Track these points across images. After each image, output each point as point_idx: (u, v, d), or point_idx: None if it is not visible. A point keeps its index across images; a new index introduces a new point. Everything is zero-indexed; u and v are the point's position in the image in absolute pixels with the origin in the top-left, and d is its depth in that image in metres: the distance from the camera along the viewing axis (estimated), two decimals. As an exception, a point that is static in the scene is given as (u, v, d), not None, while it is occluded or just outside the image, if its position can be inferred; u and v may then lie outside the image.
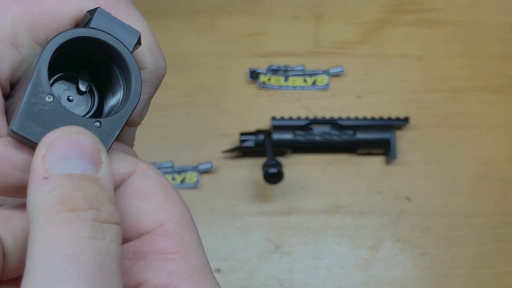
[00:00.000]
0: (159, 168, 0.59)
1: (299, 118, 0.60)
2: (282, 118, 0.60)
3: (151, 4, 0.68)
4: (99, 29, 0.22)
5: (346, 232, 0.57)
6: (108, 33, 0.22)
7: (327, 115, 0.62)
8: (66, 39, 0.21)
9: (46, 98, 0.21)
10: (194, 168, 0.59)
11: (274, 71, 0.64)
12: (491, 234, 0.57)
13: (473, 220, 0.58)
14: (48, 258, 0.18)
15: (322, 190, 0.59)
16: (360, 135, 0.58)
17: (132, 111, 0.22)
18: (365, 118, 0.60)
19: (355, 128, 0.59)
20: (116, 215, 0.20)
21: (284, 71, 0.64)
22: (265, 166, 0.53)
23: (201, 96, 0.63)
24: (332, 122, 0.59)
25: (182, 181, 0.58)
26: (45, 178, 0.19)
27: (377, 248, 0.57)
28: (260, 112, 0.62)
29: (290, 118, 0.60)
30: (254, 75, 0.63)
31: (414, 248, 0.56)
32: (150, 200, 0.22)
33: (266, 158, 0.54)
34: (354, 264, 0.56)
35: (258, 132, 0.59)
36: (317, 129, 0.59)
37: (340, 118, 0.60)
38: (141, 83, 0.23)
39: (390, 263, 0.56)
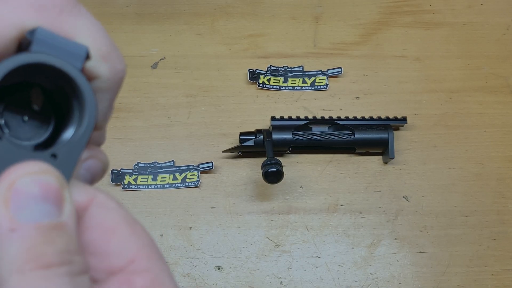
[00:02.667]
0: (160, 168, 0.60)
1: (298, 118, 0.60)
2: (281, 118, 0.60)
3: (152, 7, 0.69)
4: (40, 52, 0.19)
5: (344, 231, 0.57)
6: (51, 55, 0.20)
7: (326, 115, 0.62)
8: (6, 71, 0.19)
9: None
10: (195, 168, 0.59)
11: (274, 71, 0.64)
12: (488, 233, 0.57)
13: (470, 219, 0.58)
14: None
15: (321, 189, 0.59)
16: (359, 135, 0.58)
17: (89, 137, 0.21)
18: (363, 118, 0.60)
19: (354, 128, 0.59)
20: (85, 264, 0.19)
21: (283, 72, 0.64)
22: (264, 166, 0.54)
23: (202, 96, 0.63)
24: (331, 122, 0.60)
25: (183, 180, 0.59)
26: (12, 229, 0.18)
27: (375, 246, 0.57)
28: (259, 112, 0.63)
29: (290, 118, 0.60)
30: (254, 75, 0.64)
31: (412, 246, 0.57)
32: (116, 235, 0.20)
33: (265, 158, 0.55)
34: (352, 262, 0.56)
35: (257, 132, 0.59)
36: (316, 129, 0.59)
37: (339, 118, 0.60)
38: (96, 105, 0.21)
39: (388, 261, 0.56)
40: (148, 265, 0.20)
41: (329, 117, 0.60)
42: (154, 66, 0.65)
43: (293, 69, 0.64)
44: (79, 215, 0.20)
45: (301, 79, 0.64)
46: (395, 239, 0.57)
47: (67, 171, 0.20)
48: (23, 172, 0.18)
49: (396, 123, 0.60)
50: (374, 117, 0.60)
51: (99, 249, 0.20)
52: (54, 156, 0.20)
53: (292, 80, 0.64)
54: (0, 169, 0.18)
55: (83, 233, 0.20)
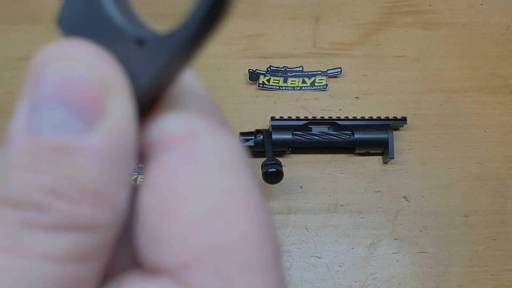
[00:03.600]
0: (290, 72, 0.61)
1: (298, 118, 0.60)
2: (281, 118, 0.60)
3: (151, 7, 0.68)
4: None
5: (344, 231, 0.57)
6: None
7: (326, 115, 0.62)
8: None
9: None
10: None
11: (274, 72, 0.64)
12: (488, 233, 0.57)
13: (470, 219, 0.58)
14: None
15: (321, 189, 0.59)
16: (358, 135, 0.58)
17: (205, 23, 0.12)
18: (363, 118, 0.60)
19: (354, 128, 0.59)
20: (84, 215, 0.12)
21: (283, 72, 0.64)
22: (264, 166, 0.54)
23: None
24: (331, 122, 0.60)
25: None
26: (11, 137, 0.12)
27: (375, 246, 0.57)
28: (259, 112, 0.63)
29: (289, 118, 0.60)
30: (253, 76, 0.64)
31: (412, 246, 0.57)
32: (183, 213, 0.12)
33: (265, 158, 0.55)
34: (352, 262, 0.56)
35: (257, 132, 0.59)
36: (316, 129, 0.59)
37: (339, 118, 0.60)
38: None
39: (388, 261, 0.56)
40: (207, 279, 0.12)
41: (329, 117, 0.60)
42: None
43: (293, 69, 0.64)
44: (153, 155, 0.13)
45: (300, 79, 0.64)
46: (395, 239, 0.57)
47: (148, 71, 0.12)
48: (50, 57, 0.12)
49: (396, 123, 0.60)
50: (374, 117, 0.60)
51: (149, 224, 0.13)
52: (140, 42, 0.13)
53: (292, 80, 0.64)
54: (79, 33, 0.13)
55: (142, 188, 0.13)
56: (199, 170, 0.12)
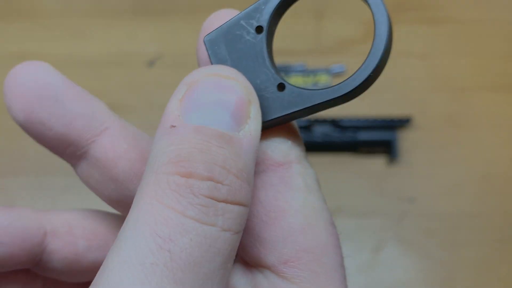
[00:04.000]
0: None
1: (299, 118, 0.59)
2: (282, 118, 0.59)
3: (149, 2, 0.68)
4: None
5: (347, 234, 0.57)
6: None
7: (328, 114, 0.61)
8: None
9: (255, 28, 0.18)
10: None
11: (275, 70, 0.63)
12: (496, 236, 0.56)
13: (478, 221, 0.57)
14: (138, 233, 0.14)
15: (323, 191, 0.58)
16: (362, 135, 0.58)
17: (338, 98, 0.16)
18: (366, 118, 0.59)
19: (357, 128, 0.58)
20: (243, 193, 0.15)
21: (285, 70, 0.63)
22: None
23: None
24: (333, 122, 0.59)
25: None
26: (172, 126, 0.16)
27: (379, 250, 0.56)
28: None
29: (291, 118, 0.59)
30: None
31: (417, 250, 0.56)
32: (282, 223, 0.17)
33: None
34: (355, 266, 0.55)
35: (258, 132, 0.58)
36: (318, 129, 0.59)
37: (342, 118, 0.59)
38: (385, 50, 0.16)
39: (393, 265, 0.55)
40: (302, 275, 0.17)
41: (332, 117, 0.59)
42: (151, 64, 0.64)
43: (294, 67, 0.64)
44: (257, 171, 0.17)
45: (303, 77, 0.63)
46: (400, 242, 0.56)
47: (277, 111, 0.17)
48: (210, 72, 0.16)
49: (401, 123, 0.59)
50: (378, 117, 0.59)
51: (255, 228, 0.17)
52: (281, 86, 0.17)
53: (293, 78, 0.63)
54: (233, 60, 0.17)
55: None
56: (292, 191, 0.17)
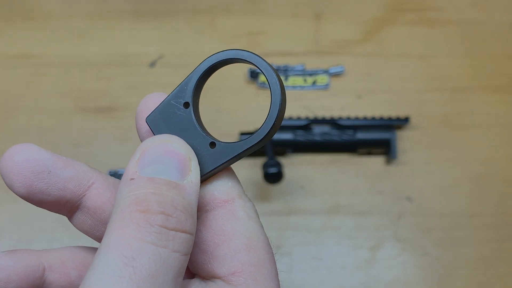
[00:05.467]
0: (290, 71, 0.60)
1: (299, 118, 0.59)
2: (282, 118, 0.59)
3: (150, 4, 0.68)
4: (246, 50, 0.23)
5: (346, 233, 0.57)
6: (253, 53, 0.23)
7: (327, 114, 0.61)
8: (218, 60, 0.23)
9: (183, 104, 0.23)
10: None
11: (274, 70, 0.63)
12: (492, 235, 0.56)
13: (474, 220, 0.57)
14: (110, 255, 0.18)
15: (322, 190, 0.58)
16: (361, 135, 0.58)
17: (252, 147, 0.22)
18: (365, 118, 0.59)
19: (356, 128, 0.58)
20: (188, 224, 0.20)
21: (284, 71, 0.63)
22: (265, 166, 0.53)
23: (201, 95, 0.62)
24: (332, 122, 0.59)
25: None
26: (131, 179, 0.20)
27: (377, 248, 0.56)
28: (260, 111, 0.62)
29: (290, 118, 0.59)
30: (254, 74, 0.63)
31: (415, 248, 0.56)
32: (230, 244, 0.22)
33: (266, 158, 0.54)
34: (354, 264, 0.55)
35: (258, 132, 0.58)
36: (317, 129, 0.59)
37: (340, 118, 0.59)
38: (279, 110, 0.22)
39: (391, 263, 0.55)
40: (247, 283, 0.21)
41: (331, 116, 0.60)
42: (152, 64, 0.64)
43: (294, 68, 0.64)
44: (208, 209, 0.22)
45: (302, 78, 0.63)
46: (398, 241, 0.56)
47: (212, 163, 0.22)
48: (156, 139, 0.21)
49: (399, 122, 0.59)
50: (376, 117, 0.60)
51: (209, 250, 0.22)
52: (212, 144, 0.22)
53: (293, 79, 0.63)
54: (172, 132, 0.22)
55: (202, 228, 0.22)
56: (237, 220, 0.22)
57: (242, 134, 0.58)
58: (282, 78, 0.63)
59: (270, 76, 0.22)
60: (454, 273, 0.55)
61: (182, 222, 0.20)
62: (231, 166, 0.23)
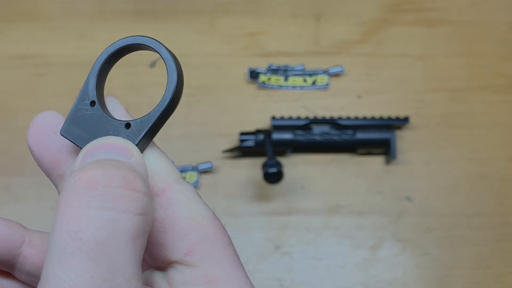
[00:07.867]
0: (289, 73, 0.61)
1: (299, 118, 0.59)
2: (282, 118, 0.59)
3: (150, 4, 0.68)
4: (144, 36, 0.24)
5: (346, 232, 0.57)
6: (152, 38, 0.24)
7: (327, 114, 0.61)
8: (115, 49, 0.24)
9: (89, 104, 0.23)
10: (194, 168, 0.58)
11: (274, 70, 0.63)
12: (492, 234, 0.57)
13: (474, 220, 0.57)
14: (58, 233, 0.18)
15: (322, 190, 0.59)
16: (360, 135, 0.58)
17: (162, 114, 0.22)
18: (365, 118, 0.60)
19: (355, 127, 0.58)
20: (138, 183, 0.19)
21: (284, 71, 0.64)
22: (265, 166, 0.53)
23: (201, 95, 0.62)
24: (332, 122, 0.59)
25: None
26: (77, 168, 0.20)
27: (377, 248, 0.56)
28: (260, 111, 0.62)
29: (290, 118, 0.59)
30: (254, 74, 0.63)
31: (415, 248, 0.56)
32: (176, 228, 0.21)
33: (266, 158, 0.54)
34: (354, 264, 0.55)
35: (258, 131, 0.58)
36: (317, 129, 0.59)
37: (340, 118, 0.59)
38: (177, 85, 0.23)
39: (391, 263, 0.55)
40: (202, 259, 0.21)
41: (330, 116, 0.60)
42: (153, 64, 0.64)
43: (293, 68, 0.64)
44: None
45: (301, 78, 0.63)
46: (398, 240, 0.56)
47: (134, 140, 0.22)
48: (95, 141, 0.21)
49: (398, 122, 0.59)
50: (376, 117, 0.60)
51: (157, 239, 0.22)
52: (128, 125, 0.22)
53: (292, 79, 0.63)
54: (88, 133, 0.23)
55: None
56: (178, 204, 0.22)
57: (242, 134, 0.58)
58: (282, 78, 0.63)
59: (161, 49, 0.23)
60: (454, 273, 0.55)
61: (130, 181, 0.19)
62: (165, 152, 0.24)
